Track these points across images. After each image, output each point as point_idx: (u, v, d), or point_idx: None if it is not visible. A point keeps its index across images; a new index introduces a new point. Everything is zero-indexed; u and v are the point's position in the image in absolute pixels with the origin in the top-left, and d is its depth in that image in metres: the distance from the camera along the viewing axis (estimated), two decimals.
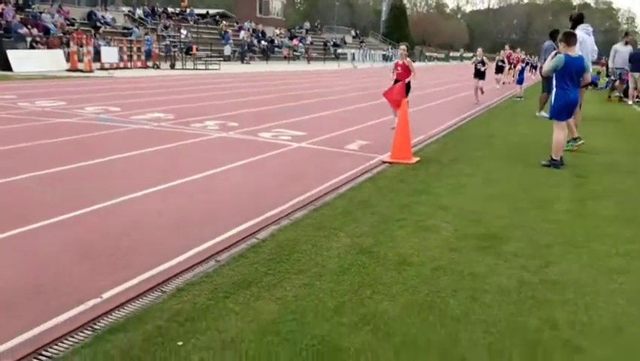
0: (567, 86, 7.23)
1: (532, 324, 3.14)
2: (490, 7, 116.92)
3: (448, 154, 8.28)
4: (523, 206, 5.55)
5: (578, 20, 8.79)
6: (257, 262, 3.89)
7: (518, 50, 29.43)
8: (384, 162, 7.50)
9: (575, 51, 7.33)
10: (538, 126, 11.51)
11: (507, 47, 26.56)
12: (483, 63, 16.53)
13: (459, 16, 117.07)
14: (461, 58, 73.31)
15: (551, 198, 5.91)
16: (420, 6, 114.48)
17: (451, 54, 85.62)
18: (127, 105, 12.31)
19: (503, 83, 24.64)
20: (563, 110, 7.40)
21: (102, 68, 23.36)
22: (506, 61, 24.21)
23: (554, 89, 7.38)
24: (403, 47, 11.20)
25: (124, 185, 5.75)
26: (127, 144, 8.01)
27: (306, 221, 4.86)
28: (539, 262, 4.07)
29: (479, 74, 16.53)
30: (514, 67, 26.58)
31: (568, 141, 8.52)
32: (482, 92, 16.93)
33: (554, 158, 7.51)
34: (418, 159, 7.70)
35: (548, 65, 7.41)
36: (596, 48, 8.96)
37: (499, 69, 22.67)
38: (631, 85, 17.63)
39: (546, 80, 12.82)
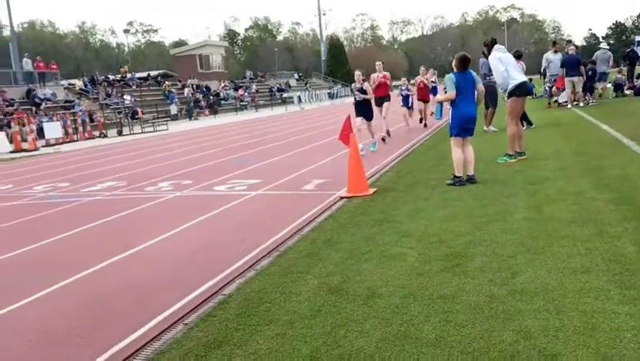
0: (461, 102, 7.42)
1: (507, 338, 3.14)
2: (424, 33, 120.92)
3: (403, 181, 8.37)
4: (482, 221, 5.62)
5: (492, 44, 9.16)
6: (226, 319, 3.80)
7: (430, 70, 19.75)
8: (342, 198, 7.52)
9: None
10: (487, 141, 11.77)
11: (422, 68, 19.00)
12: (363, 91, 11.71)
13: (395, 46, 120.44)
14: None
15: (509, 209, 6.00)
16: (357, 42, 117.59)
17: (394, 83, 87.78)
18: (76, 179, 12.06)
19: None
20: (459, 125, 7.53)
21: (47, 145, 22.91)
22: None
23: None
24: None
25: (80, 259, 5.58)
26: (78, 218, 7.81)
27: (271, 269, 4.80)
28: (506, 273, 4.10)
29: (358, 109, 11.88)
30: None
31: (511, 155, 8.83)
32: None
33: (456, 175, 7.60)
34: (374, 190, 7.76)
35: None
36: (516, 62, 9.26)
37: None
38: (568, 89, 18.30)
39: (489, 95, 13.25)
